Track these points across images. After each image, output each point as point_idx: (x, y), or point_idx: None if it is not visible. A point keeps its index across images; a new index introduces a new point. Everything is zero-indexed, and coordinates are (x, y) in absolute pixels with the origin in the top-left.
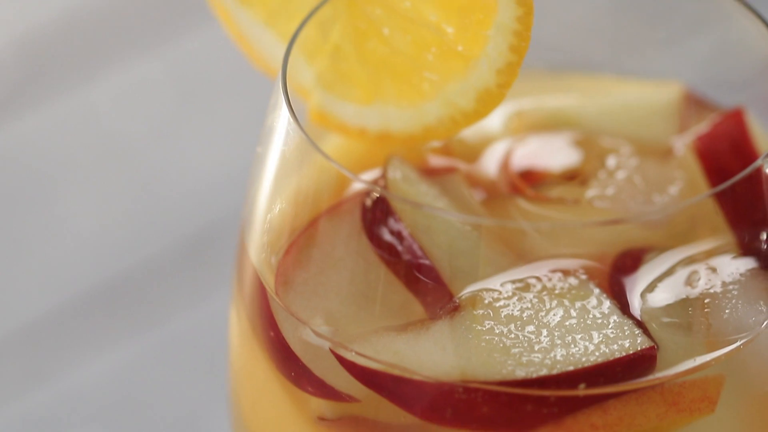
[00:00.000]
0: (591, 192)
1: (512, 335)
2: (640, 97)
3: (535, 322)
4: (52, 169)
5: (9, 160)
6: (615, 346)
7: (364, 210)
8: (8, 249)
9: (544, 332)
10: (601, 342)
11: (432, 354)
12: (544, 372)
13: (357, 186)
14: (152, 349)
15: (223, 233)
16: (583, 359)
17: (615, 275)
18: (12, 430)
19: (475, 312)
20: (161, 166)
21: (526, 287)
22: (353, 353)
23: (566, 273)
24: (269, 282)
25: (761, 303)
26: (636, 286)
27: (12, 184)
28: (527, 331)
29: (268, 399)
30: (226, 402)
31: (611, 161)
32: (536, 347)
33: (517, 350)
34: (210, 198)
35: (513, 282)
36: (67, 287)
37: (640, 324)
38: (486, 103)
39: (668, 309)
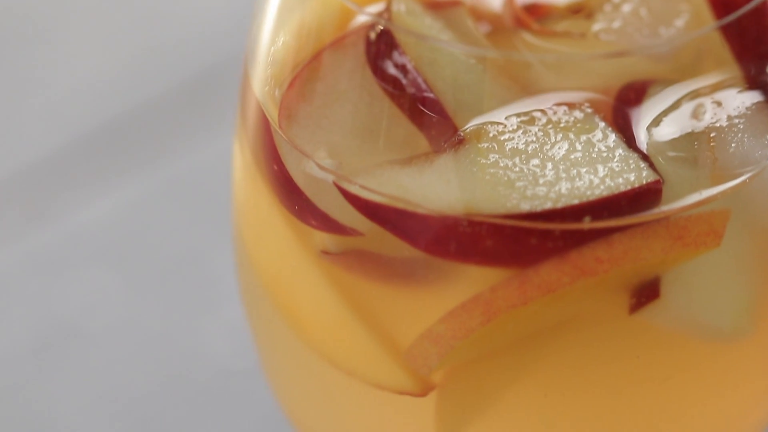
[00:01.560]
0: (597, 25)
1: (517, 168)
2: None
3: (540, 155)
4: (54, 9)
5: (9, 2)
6: (620, 179)
7: (368, 43)
8: (10, 90)
9: (549, 166)
10: (606, 175)
11: (436, 187)
12: (548, 205)
13: (361, 19)
14: (155, 189)
15: (226, 71)
16: (588, 193)
17: (620, 108)
18: (15, 270)
19: (479, 145)
20: (163, 2)
21: (531, 120)
22: (357, 186)
23: (571, 106)
24: (273, 115)
25: (767, 137)
26: (641, 119)
27: (13, 26)
28: (532, 165)
29: (271, 234)
30: (230, 238)
31: None
32: (541, 181)
33: (521, 183)
34: (214, 35)
35: (518, 115)
36: (71, 127)
37: (645, 158)
38: None
39: (674, 143)
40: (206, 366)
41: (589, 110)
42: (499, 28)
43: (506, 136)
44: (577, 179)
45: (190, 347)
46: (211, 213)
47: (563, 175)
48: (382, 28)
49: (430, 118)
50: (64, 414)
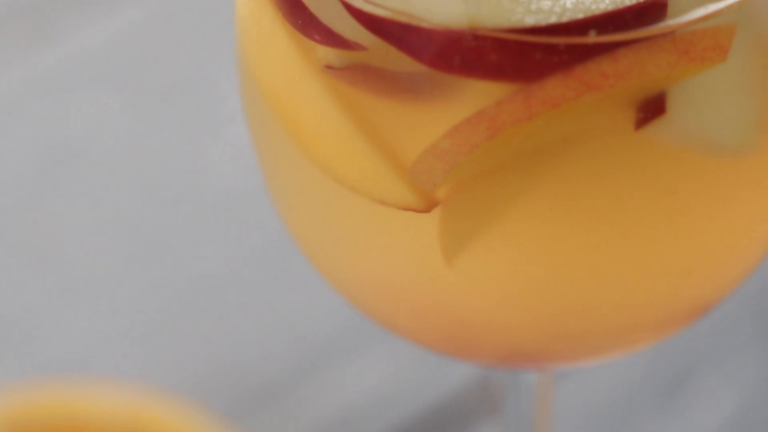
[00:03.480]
0: None
1: None
2: None
3: None
4: None
5: None
6: None
7: None
8: None
9: None
10: None
11: (440, 1)
12: (553, 19)
13: None
14: (159, 9)
15: None
16: (593, 7)
17: None
18: (19, 92)
19: None
20: None
21: None
22: (361, 0)
23: None
24: None
25: None
26: None
27: None
28: None
29: (275, 49)
30: (234, 57)
31: None
32: None
33: None
34: None
35: None
36: None
37: None
38: None
39: None
40: (211, 187)
41: None
42: None
43: None
44: None
45: (194, 169)
46: (215, 32)
47: None
48: None
49: None
50: (67, 235)
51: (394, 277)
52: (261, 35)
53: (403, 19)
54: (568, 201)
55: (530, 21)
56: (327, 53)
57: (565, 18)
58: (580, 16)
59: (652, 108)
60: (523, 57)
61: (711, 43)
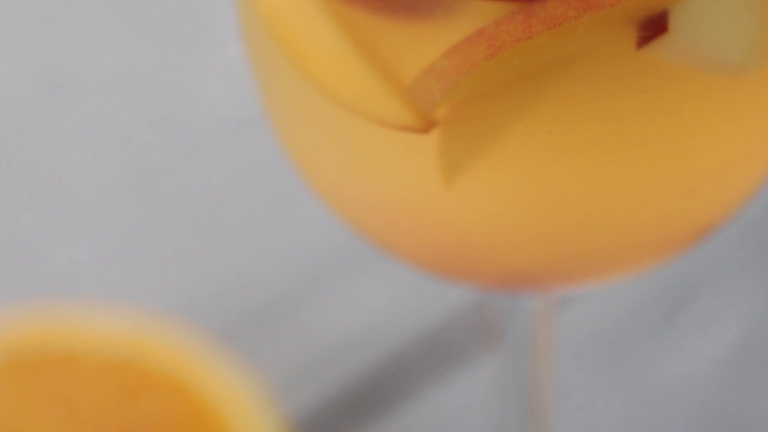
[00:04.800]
0: None
1: None
2: None
3: None
4: None
5: None
6: None
7: None
8: None
9: None
10: None
11: None
12: None
13: None
14: None
15: None
16: None
17: None
18: (12, 15)
19: None
20: None
21: None
22: None
23: None
24: None
25: None
26: None
27: None
28: None
29: None
30: None
31: None
32: None
33: None
34: None
35: None
36: None
37: None
38: None
39: None
40: (207, 110)
41: None
42: None
43: None
44: None
45: (190, 91)
46: None
47: None
48: None
49: None
50: (61, 159)
51: (392, 198)
52: None
53: None
54: (569, 121)
55: None
56: None
57: None
58: None
59: (654, 27)
60: None
61: None
